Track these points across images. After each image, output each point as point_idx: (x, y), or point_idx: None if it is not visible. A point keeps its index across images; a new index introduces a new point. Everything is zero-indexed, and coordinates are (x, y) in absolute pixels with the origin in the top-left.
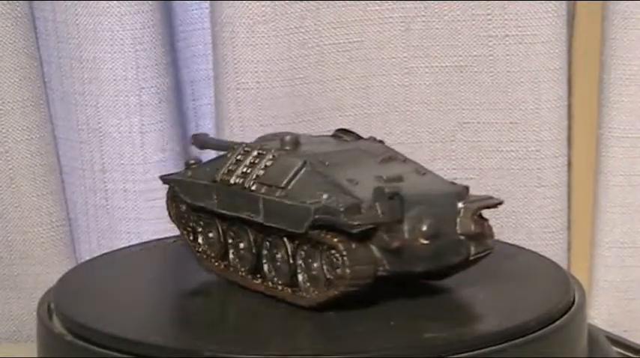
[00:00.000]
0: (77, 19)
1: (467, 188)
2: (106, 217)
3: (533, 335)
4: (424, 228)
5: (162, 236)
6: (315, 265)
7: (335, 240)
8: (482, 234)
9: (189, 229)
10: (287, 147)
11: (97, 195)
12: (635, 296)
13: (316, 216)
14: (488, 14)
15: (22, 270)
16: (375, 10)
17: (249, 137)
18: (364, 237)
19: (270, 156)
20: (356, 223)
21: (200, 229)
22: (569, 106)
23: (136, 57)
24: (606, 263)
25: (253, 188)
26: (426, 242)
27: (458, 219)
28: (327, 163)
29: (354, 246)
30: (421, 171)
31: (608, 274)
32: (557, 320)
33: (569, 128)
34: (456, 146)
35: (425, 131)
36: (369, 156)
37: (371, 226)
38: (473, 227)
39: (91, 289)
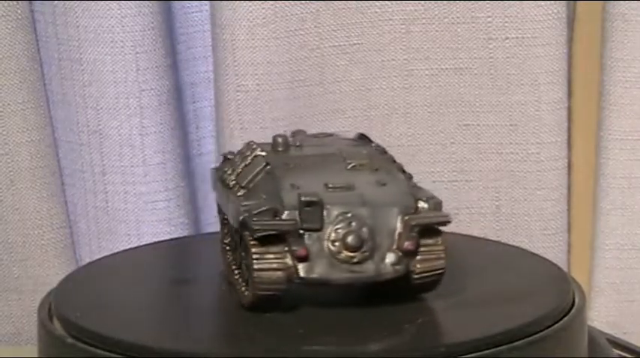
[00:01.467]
0: (77, 21)
1: (431, 202)
2: (106, 219)
3: (533, 337)
4: (347, 239)
5: (163, 238)
6: (244, 266)
7: (251, 243)
8: (414, 251)
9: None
10: (279, 148)
11: (97, 197)
12: (635, 298)
13: (240, 218)
14: (488, 16)
15: (23, 272)
16: (375, 12)
17: (249, 139)
18: (279, 242)
19: (252, 157)
20: (257, 227)
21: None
22: (570, 109)
23: (136, 59)
24: (606, 265)
25: (232, 187)
26: (349, 253)
27: (396, 234)
28: (291, 165)
29: (264, 250)
30: (384, 181)
31: (608, 276)
32: (557, 322)
33: (569, 130)
34: (456, 148)
35: (425, 133)
36: (340, 162)
37: (273, 232)
38: (405, 243)
39: (92, 291)
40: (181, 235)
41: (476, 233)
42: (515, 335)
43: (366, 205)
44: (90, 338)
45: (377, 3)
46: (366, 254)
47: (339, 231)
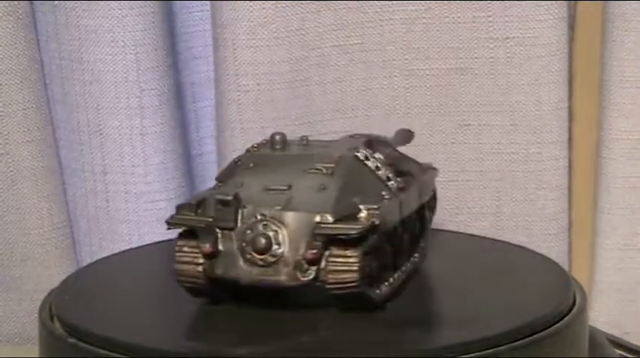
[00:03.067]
0: (78, 21)
1: (348, 213)
2: (106, 219)
3: (534, 336)
4: (256, 241)
5: (163, 238)
6: None
7: (180, 236)
8: (316, 261)
9: None
10: (276, 146)
11: (98, 196)
12: (636, 298)
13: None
14: (489, 16)
15: (23, 272)
16: (376, 12)
17: (250, 139)
18: (196, 237)
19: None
20: (169, 221)
21: None
22: (570, 108)
23: (136, 59)
24: (607, 265)
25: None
26: (257, 255)
27: (305, 242)
28: (255, 164)
29: (183, 244)
30: (324, 187)
31: (609, 276)
32: (558, 322)
33: (570, 130)
34: (456, 148)
35: (426, 133)
36: (305, 164)
37: (184, 227)
38: (308, 252)
39: (93, 292)
40: None
41: (477, 233)
42: (516, 334)
43: (286, 209)
44: (91, 338)
45: (378, 3)
46: (273, 258)
47: (251, 232)
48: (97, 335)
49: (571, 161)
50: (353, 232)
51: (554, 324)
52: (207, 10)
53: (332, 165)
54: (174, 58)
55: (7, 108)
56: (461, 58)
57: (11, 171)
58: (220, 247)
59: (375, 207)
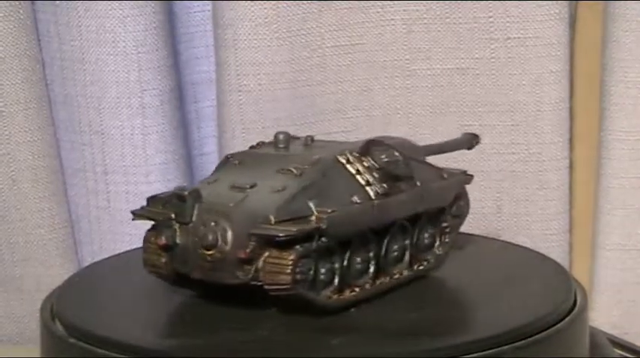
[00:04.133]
0: (79, 21)
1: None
2: (108, 219)
3: (535, 337)
4: (204, 238)
5: None
6: None
7: (150, 227)
8: (247, 261)
9: None
10: (280, 145)
11: (99, 196)
12: (636, 298)
13: None
14: (490, 17)
15: (25, 272)
16: (377, 12)
17: (251, 139)
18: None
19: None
20: (136, 212)
21: None
22: (571, 109)
23: (138, 59)
24: (607, 265)
25: None
26: (205, 251)
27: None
28: (236, 162)
29: (149, 236)
30: (284, 188)
31: (610, 276)
32: (558, 322)
33: (571, 130)
34: None
35: (426, 133)
36: (280, 164)
37: (146, 219)
38: (239, 251)
39: (94, 292)
40: None
41: (477, 232)
42: (516, 334)
43: (236, 208)
44: (92, 339)
45: (379, 3)
46: (220, 255)
47: (204, 228)
48: (97, 336)
49: (572, 161)
50: (281, 234)
51: (554, 324)
52: (209, 11)
53: (306, 166)
54: (175, 58)
55: (9, 109)
56: (462, 59)
57: (12, 171)
58: (178, 241)
59: (328, 211)
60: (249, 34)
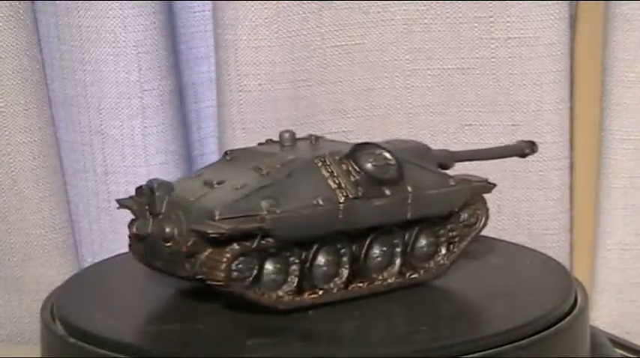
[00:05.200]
0: (79, 22)
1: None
2: (108, 219)
3: (536, 336)
4: (163, 230)
5: None
6: None
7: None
8: (188, 255)
9: None
10: (285, 144)
11: (100, 197)
12: (637, 298)
13: None
14: (490, 16)
15: (25, 272)
16: (377, 12)
17: (251, 139)
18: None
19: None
20: (119, 201)
21: None
22: (572, 108)
23: (138, 59)
24: (608, 265)
25: None
26: (165, 244)
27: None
28: (228, 158)
29: (131, 225)
30: (243, 186)
31: (611, 276)
32: (559, 321)
33: (571, 130)
34: (458, 148)
35: (427, 133)
36: (257, 163)
37: (126, 208)
38: (183, 245)
39: (94, 292)
40: None
41: None
42: (517, 334)
43: (196, 203)
44: (92, 339)
45: (379, 3)
46: (175, 248)
47: (164, 221)
48: (97, 336)
49: (572, 161)
50: (210, 231)
51: (555, 324)
52: (209, 11)
53: (278, 166)
54: (175, 58)
55: (9, 109)
56: (462, 58)
57: (13, 171)
58: (149, 231)
59: (277, 211)
60: (250, 34)
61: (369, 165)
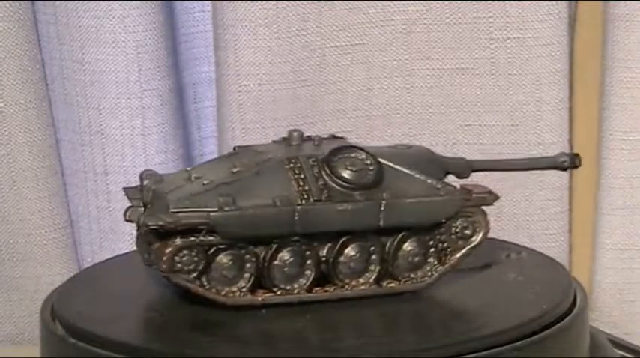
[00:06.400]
0: (79, 22)
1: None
2: (107, 219)
3: (535, 337)
4: (140, 220)
5: None
6: None
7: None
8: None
9: None
10: (293, 143)
11: (99, 197)
12: (637, 299)
13: None
14: (489, 17)
15: (24, 272)
16: (377, 12)
17: (251, 139)
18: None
19: None
20: (126, 189)
21: None
22: (571, 109)
23: (138, 59)
24: (607, 265)
25: None
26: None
27: None
28: (227, 155)
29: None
30: (209, 182)
31: (610, 276)
32: (559, 322)
33: (571, 130)
34: (457, 148)
35: (426, 133)
36: (239, 161)
37: (127, 199)
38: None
39: (94, 292)
40: None
41: None
42: (516, 334)
43: (167, 195)
44: (92, 339)
45: (379, 3)
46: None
47: (146, 211)
48: (97, 336)
49: None
50: (150, 223)
51: (554, 324)
52: (209, 11)
53: (252, 164)
54: (175, 58)
55: (9, 109)
56: (461, 59)
57: (12, 171)
58: (136, 219)
59: (225, 209)
60: (249, 34)
61: (345, 169)
